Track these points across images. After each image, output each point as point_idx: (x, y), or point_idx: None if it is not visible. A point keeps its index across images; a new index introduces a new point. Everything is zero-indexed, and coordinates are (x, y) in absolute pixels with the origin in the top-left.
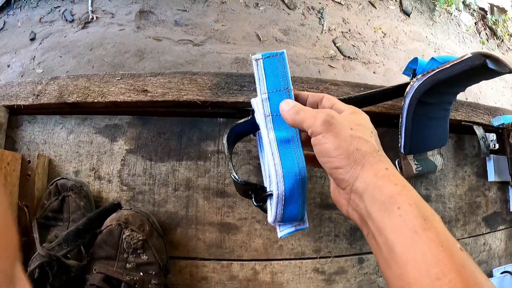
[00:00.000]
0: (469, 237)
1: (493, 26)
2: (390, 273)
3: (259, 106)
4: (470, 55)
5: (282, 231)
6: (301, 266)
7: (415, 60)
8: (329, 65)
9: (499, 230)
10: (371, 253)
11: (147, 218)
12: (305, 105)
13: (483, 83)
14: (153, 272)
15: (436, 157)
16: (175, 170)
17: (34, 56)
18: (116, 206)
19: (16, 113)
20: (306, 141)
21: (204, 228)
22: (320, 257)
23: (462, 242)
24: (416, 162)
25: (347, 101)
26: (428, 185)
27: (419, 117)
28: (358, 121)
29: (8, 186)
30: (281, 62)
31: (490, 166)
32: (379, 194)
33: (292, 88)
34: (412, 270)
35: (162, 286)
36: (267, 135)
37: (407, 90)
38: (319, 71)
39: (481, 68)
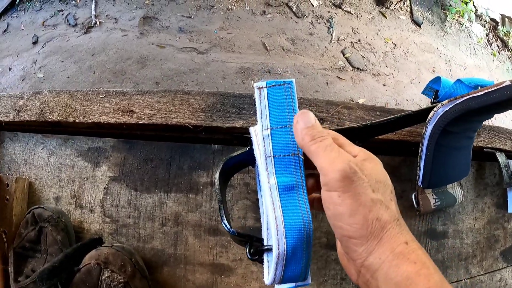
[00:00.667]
0: (485, 273)
1: (505, 38)
2: None
3: (259, 141)
4: (509, 83)
5: (280, 286)
6: None
7: (437, 79)
8: (337, 76)
9: None
10: None
11: (130, 257)
12: None
13: None
14: None
15: (456, 189)
16: (162, 203)
17: (36, 60)
18: (95, 242)
19: None
20: (312, 188)
21: (194, 269)
22: None
23: (478, 280)
24: (434, 196)
25: (363, 129)
26: (446, 219)
27: (442, 148)
28: (378, 176)
29: None
30: (289, 93)
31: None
32: (395, 274)
33: None
34: None
35: None
36: (267, 181)
37: (429, 116)
38: (327, 83)
39: None
